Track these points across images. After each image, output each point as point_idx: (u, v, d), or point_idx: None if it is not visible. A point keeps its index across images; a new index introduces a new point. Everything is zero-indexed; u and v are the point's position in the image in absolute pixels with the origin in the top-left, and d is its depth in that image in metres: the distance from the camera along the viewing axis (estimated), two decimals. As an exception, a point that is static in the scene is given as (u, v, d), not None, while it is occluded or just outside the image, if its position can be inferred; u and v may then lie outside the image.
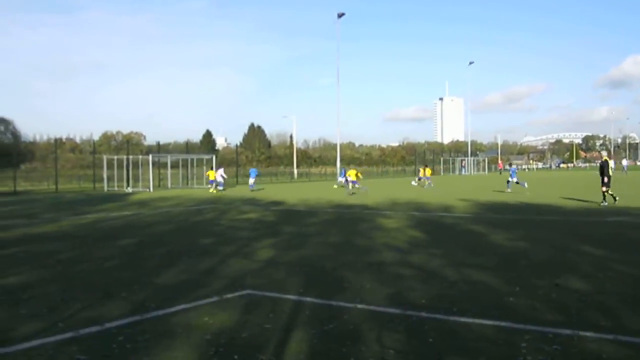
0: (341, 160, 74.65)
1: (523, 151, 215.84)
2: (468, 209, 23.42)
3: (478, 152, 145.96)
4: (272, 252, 12.31)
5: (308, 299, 7.95)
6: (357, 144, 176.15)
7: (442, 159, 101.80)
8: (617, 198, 24.15)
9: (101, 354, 5.78)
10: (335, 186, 46.90)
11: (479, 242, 13.78)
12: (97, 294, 8.33)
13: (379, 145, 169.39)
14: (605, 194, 24.34)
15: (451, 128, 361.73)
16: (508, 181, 37.02)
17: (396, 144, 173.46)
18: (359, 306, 7.51)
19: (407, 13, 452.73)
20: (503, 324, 6.62)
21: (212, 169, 45.24)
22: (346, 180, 42.67)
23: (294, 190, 42.33)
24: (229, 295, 8.15)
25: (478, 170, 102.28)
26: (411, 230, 16.18)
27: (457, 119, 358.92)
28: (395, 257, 11.48)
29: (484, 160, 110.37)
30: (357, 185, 38.00)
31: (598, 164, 28.07)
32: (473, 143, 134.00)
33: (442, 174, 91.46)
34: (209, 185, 43.13)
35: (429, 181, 46.05)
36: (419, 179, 48.71)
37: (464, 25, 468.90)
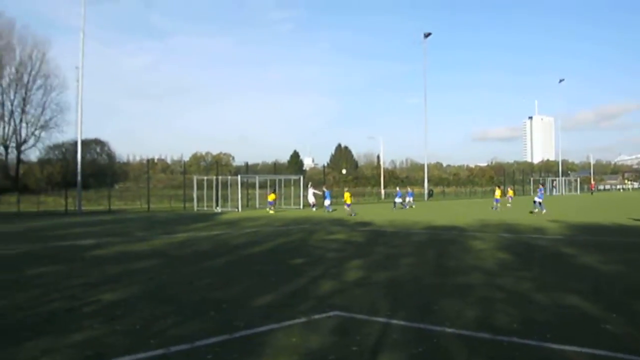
0: (429, 180, 74.14)
1: (617, 170, 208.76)
2: (559, 230, 22.79)
3: (569, 172, 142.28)
4: (360, 273, 12.27)
5: (396, 321, 7.85)
6: (444, 164, 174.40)
7: (531, 179, 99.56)
8: None
9: (191, 372, 5.88)
10: (394, 208, 46.05)
11: (571, 265, 13.37)
12: (187, 312, 8.49)
13: (467, 166, 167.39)
14: None
15: (541, 147, 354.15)
16: (539, 202, 35.99)
17: (484, 164, 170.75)
18: (448, 330, 7.37)
19: (493, 31, 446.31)
20: (600, 352, 6.34)
21: (274, 192, 46.64)
22: (402, 201, 43.87)
23: (381, 211, 42.15)
24: (317, 317, 8.14)
25: (570, 190, 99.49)
26: (501, 252, 15.84)
27: (547, 138, 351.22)
28: (484, 280, 11.26)
29: (575, 180, 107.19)
30: (349, 207, 39.82)
31: None
32: (564, 162, 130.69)
33: (531, 194, 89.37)
34: (269, 207, 43.69)
35: (497, 204, 42.92)
36: (506, 198, 45.97)
37: (553, 43, 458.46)
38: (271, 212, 42.00)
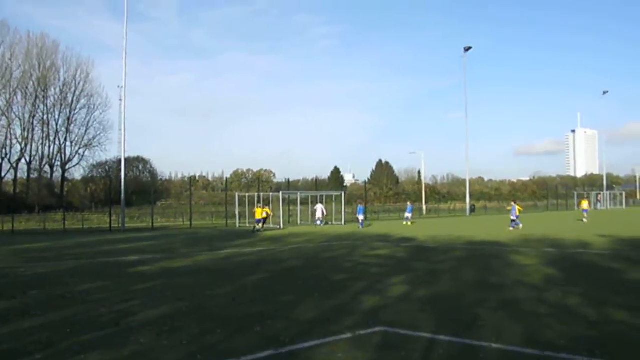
0: (470, 195, 73.54)
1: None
2: (606, 245, 22.40)
3: (614, 186, 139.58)
4: (405, 289, 12.21)
5: (442, 337, 7.79)
6: (486, 179, 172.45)
7: (575, 193, 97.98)
8: None
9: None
10: (405, 223, 46.01)
11: (620, 281, 13.13)
12: (232, 328, 8.53)
13: (509, 180, 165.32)
14: None
15: (584, 161, 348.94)
16: (512, 220, 36.26)
17: (527, 179, 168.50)
18: (495, 345, 7.29)
19: (535, 47, 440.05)
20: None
21: (262, 206, 42.57)
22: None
23: (423, 227, 41.90)
24: (362, 332, 8.12)
25: (615, 204, 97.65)
26: (546, 268, 15.61)
27: (591, 152, 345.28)
28: (530, 295, 11.12)
29: (621, 194, 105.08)
30: (260, 224, 40.36)
31: None
32: (609, 176, 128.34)
33: (576, 208, 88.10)
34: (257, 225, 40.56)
35: (514, 220, 36.39)
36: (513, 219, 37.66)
37: (596, 55, 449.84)
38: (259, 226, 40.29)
